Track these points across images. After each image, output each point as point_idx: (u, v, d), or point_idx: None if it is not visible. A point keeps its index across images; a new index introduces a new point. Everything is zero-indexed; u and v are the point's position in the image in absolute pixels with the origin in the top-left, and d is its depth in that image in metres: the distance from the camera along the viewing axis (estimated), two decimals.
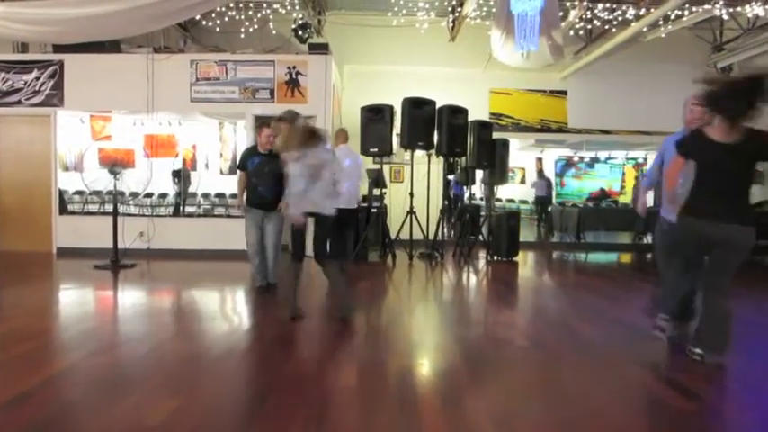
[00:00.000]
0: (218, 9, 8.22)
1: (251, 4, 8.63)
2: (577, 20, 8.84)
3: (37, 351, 3.78)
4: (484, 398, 3.07)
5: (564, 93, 10.95)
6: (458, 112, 8.27)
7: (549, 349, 3.98)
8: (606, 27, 8.88)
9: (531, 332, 4.67)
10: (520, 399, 3.08)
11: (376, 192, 8.53)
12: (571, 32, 9.16)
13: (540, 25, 6.36)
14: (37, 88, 8.60)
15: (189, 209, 8.74)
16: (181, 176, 8.75)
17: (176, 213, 8.74)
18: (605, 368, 3.61)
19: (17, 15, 7.32)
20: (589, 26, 9.23)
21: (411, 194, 8.29)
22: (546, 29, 7.28)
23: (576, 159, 14.99)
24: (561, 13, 8.14)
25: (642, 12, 8.25)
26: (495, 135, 8.95)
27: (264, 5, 8.71)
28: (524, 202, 15.76)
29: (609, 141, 11.76)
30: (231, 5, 8.40)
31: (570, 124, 10.95)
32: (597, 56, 9.60)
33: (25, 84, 8.61)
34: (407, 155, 8.54)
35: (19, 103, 8.63)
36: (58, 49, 8.55)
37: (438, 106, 8.17)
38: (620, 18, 8.57)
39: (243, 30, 8.87)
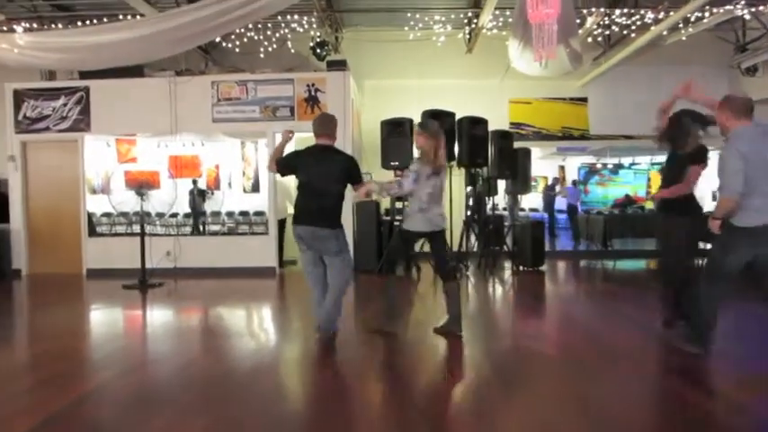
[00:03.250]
0: (238, 30, 8.36)
1: (269, 25, 8.75)
2: (595, 26, 8.77)
3: (70, 371, 3.83)
4: (515, 411, 3.02)
5: (584, 100, 10.85)
6: (477, 122, 8.24)
7: (581, 360, 3.90)
8: (625, 32, 8.79)
9: (562, 343, 4.59)
10: (552, 411, 3.02)
11: (399, 205, 8.52)
12: (589, 39, 9.08)
13: (557, 33, 6.31)
14: (64, 114, 8.83)
15: (213, 227, 8.83)
16: (204, 195, 8.86)
17: (194, 232, 8.83)
18: (640, 379, 3.52)
19: (43, 44, 7.53)
20: (607, 32, 9.15)
21: None
22: (563, 36, 7.24)
23: (599, 166, 14.78)
24: (578, 21, 8.09)
25: (661, 15, 8.15)
26: (516, 144, 8.90)
27: (282, 25, 8.82)
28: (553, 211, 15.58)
29: (632, 147, 11.58)
30: (250, 27, 8.52)
31: (592, 131, 10.83)
32: (617, 61, 9.49)
33: (53, 110, 8.84)
34: None
35: (47, 129, 8.87)
36: (84, 75, 8.78)
37: (457, 118, 8.16)
38: (638, 23, 8.47)
39: (262, 50, 9.00)
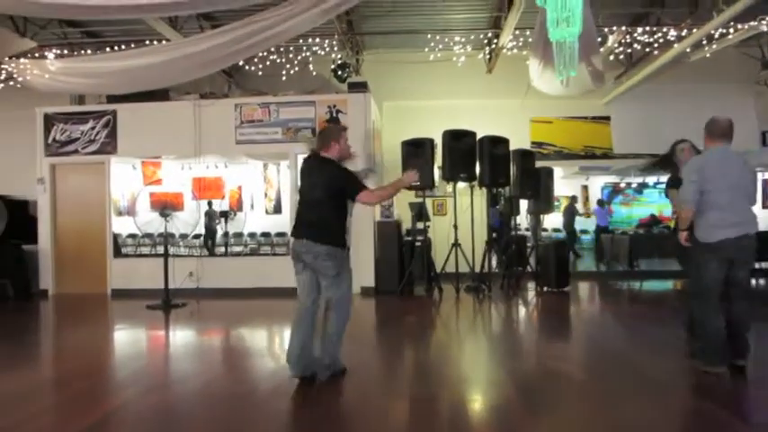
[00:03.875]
0: (260, 54, 8.50)
1: (291, 48, 8.90)
2: (616, 45, 8.73)
3: (94, 389, 3.85)
4: None
5: (607, 118, 10.75)
6: (499, 142, 8.21)
7: (608, 382, 3.79)
8: (647, 50, 8.73)
9: (588, 365, 4.47)
10: None
11: (420, 225, 8.49)
12: (611, 57, 9.03)
13: (578, 52, 6.28)
14: (92, 137, 9.04)
15: (236, 248, 8.89)
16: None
17: (210, 254, 8.86)
18: (669, 402, 3.40)
19: (73, 70, 7.78)
20: (629, 50, 9.09)
21: (455, 227, 8.20)
22: (585, 55, 7.21)
23: (623, 185, 14.60)
24: (599, 39, 8.06)
25: (684, 33, 8.08)
26: (538, 164, 8.83)
27: (304, 48, 8.96)
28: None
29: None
30: (272, 50, 8.67)
31: (616, 150, 10.70)
32: (640, 79, 9.42)
33: (82, 133, 9.06)
34: (450, 187, 8.49)
35: (76, 152, 9.08)
36: (112, 99, 9.00)
37: (478, 137, 8.14)
38: (661, 40, 8.41)
39: (284, 72, 9.13)
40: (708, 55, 8.67)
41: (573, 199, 13.91)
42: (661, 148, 10.40)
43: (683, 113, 10.14)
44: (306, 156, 4.22)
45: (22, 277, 8.89)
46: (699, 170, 3.77)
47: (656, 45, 8.49)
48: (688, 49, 8.34)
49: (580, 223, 14.23)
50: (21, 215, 9.35)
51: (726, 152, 3.83)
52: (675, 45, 8.24)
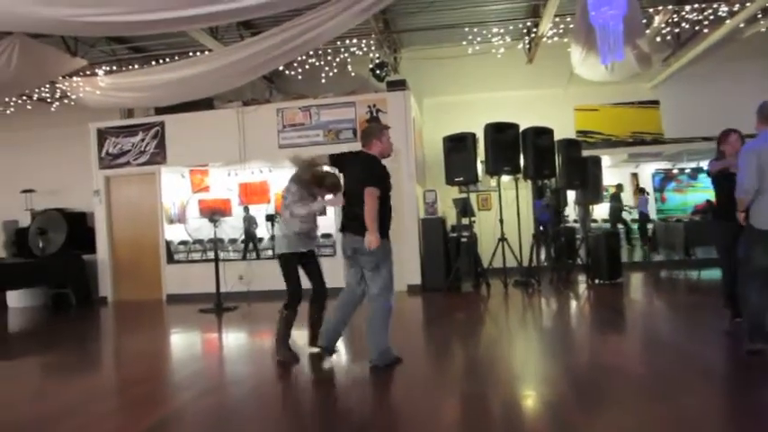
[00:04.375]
0: (299, 58, 8.59)
1: (329, 50, 8.95)
2: (663, 25, 8.38)
3: (152, 393, 3.97)
4: (599, 430, 2.83)
5: (656, 102, 10.36)
6: (542, 133, 8.04)
7: (668, 377, 3.62)
8: (696, 28, 8.34)
9: (646, 359, 4.30)
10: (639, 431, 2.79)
11: (465, 221, 8.40)
12: (657, 39, 8.68)
13: (623, 35, 6.07)
14: (142, 149, 9.37)
15: None
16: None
17: (245, 257, 9.01)
18: (731, 396, 3.24)
19: (121, 85, 8.06)
20: (677, 30, 8.71)
21: (501, 221, 8.07)
22: (630, 38, 6.96)
23: (675, 172, 14.02)
24: (645, 20, 7.76)
25: (736, 7, 7.68)
26: (585, 153, 8.59)
27: (342, 50, 9.00)
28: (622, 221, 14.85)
29: (712, 149, 10.88)
30: (311, 53, 8.75)
31: (666, 134, 10.30)
32: (689, 59, 9.01)
33: (132, 146, 9.40)
34: (493, 181, 8.37)
35: (128, 163, 9.43)
36: (160, 111, 9.31)
37: (521, 129, 7.99)
38: (711, 17, 8.01)
39: (323, 75, 9.21)
40: (763, 29, 8.21)
41: (618, 188, 13.49)
42: (715, 131, 10.00)
43: (740, 92, 9.68)
44: (350, 151, 4.35)
45: (83, 286, 9.32)
46: (757, 155, 3.71)
47: (705, 22, 8.11)
48: (741, 25, 7.92)
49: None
50: (80, 227, 9.79)
51: None
52: (727, 21, 7.84)
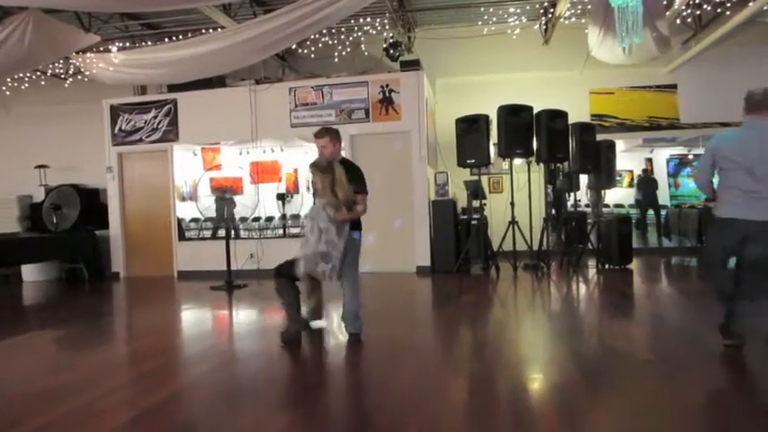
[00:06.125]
0: (312, 36, 8.52)
1: (342, 29, 8.87)
2: (683, 6, 8.19)
3: (163, 367, 4.04)
4: (606, 414, 2.84)
5: (673, 86, 10.18)
6: (557, 116, 7.95)
7: (676, 362, 3.62)
8: (718, 10, 8.14)
9: (654, 344, 4.30)
10: (648, 417, 2.79)
11: (475, 203, 8.38)
12: (677, 21, 8.49)
13: (643, 16, 5.94)
14: (155, 126, 9.40)
15: (293, 230, 9.02)
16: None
17: (215, 236, 9.03)
18: (739, 382, 3.23)
19: (135, 61, 8.06)
20: (698, 12, 8.51)
21: (512, 204, 8.04)
22: (649, 20, 6.83)
23: (690, 157, 13.84)
24: (665, 2, 7.60)
25: None
26: (599, 137, 8.50)
27: (356, 28, 8.91)
28: (632, 206, 14.74)
29: None
30: (324, 32, 8.67)
31: (683, 119, 10.14)
32: (710, 43, 8.82)
33: (145, 123, 9.44)
34: (506, 164, 8.32)
35: (140, 140, 9.47)
36: (172, 88, 9.32)
37: (535, 112, 7.91)
38: None
39: (336, 54, 9.14)
40: None
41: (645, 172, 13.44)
42: (733, 117, 9.82)
43: (757, 80, 9.45)
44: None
45: (96, 261, 9.45)
46: (712, 154, 3.79)
47: (728, 4, 7.91)
48: (765, 8, 7.73)
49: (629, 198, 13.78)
50: (93, 203, 9.90)
51: (757, 124, 3.72)
52: (750, 3, 7.65)
